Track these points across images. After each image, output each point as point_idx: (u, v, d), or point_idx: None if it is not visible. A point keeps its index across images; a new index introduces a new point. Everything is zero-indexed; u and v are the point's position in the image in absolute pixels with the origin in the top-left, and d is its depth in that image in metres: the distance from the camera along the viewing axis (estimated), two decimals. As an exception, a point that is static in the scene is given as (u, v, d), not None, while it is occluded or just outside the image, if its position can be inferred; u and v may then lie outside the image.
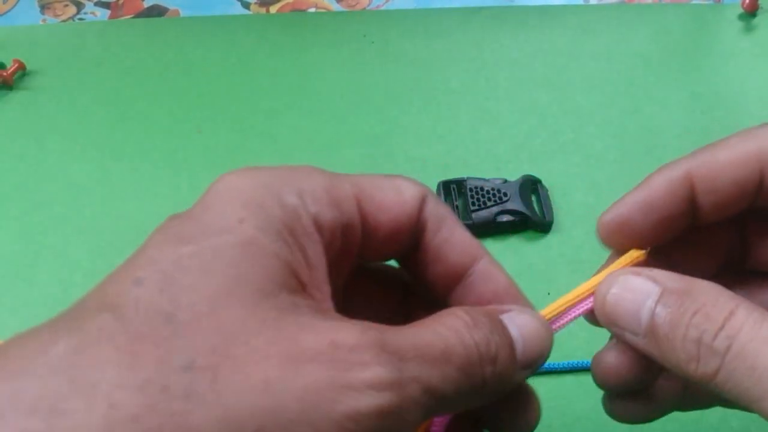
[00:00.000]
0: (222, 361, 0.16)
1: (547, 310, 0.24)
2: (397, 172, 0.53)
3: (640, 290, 0.22)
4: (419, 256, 0.24)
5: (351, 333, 0.18)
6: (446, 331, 0.20)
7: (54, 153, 0.55)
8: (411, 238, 0.24)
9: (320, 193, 0.21)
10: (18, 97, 0.59)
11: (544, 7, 0.66)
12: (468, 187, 0.49)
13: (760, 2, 0.63)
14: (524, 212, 0.48)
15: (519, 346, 0.21)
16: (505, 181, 0.50)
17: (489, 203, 0.48)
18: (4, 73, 0.59)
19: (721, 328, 0.20)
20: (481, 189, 0.49)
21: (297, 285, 0.19)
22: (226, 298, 0.18)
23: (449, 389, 0.19)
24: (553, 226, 0.48)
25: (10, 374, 0.16)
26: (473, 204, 0.48)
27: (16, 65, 0.60)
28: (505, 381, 0.21)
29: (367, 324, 0.19)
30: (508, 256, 0.47)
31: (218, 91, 0.59)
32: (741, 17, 0.64)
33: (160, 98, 0.59)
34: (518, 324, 0.22)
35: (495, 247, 0.47)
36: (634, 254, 0.25)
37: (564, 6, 0.66)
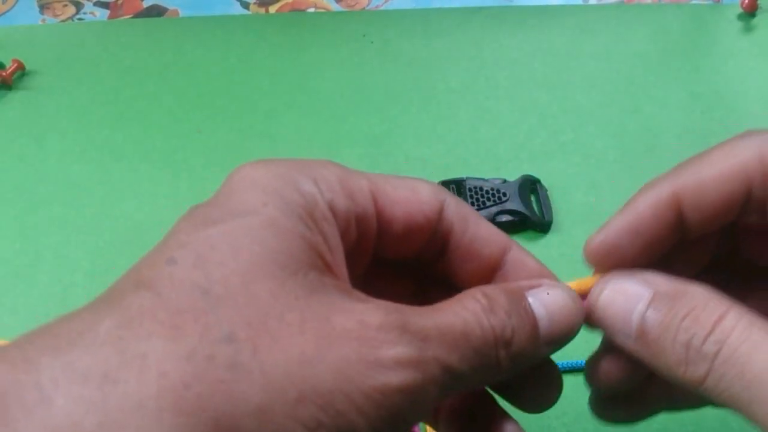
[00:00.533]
0: (259, 334, 0.17)
1: None
2: (396, 172, 0.53)
3: (632, 293, 0.22)
4: (450, 257, 0.24)
5: (377, 313, 0.19)
6: (465, 313, 0.20)
7: (54, 153, 0.55)
8: (433, 240, 0.24)
9: (334, 182, 0.21)
10: (17, 97, 0.59)
11: (544, 7, 0.66)
12: (467, 187, 0.49)
13: (759, 2, 0.63)
14: (523, 212, 0.48)
15: (544, 324, 0.22)
16: (505, 181, 0.50)
17: (488, 203, 0.48)
18: (4, 73, 0.59)
19: (711, 332, 0.20)
20: (481, 189, 0.49)
21: (322, 265, 0.20)
22: (258, 274, 0.18)
23: (466, 369, 0.20)
24: (553, 226, 0.48)
25: (58, 348, 0.16)
26: (472, 204, 0.48)
27: (16, 65, 0.60)
28: (523, 359, 0.21)
29: (391, 305, 0.19)
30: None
31: (218, 91, 0.59)
32: (740, 17, 0.64)
33: (160, 98, 0.58)
34: (545, 301, 0.22)
35: (495, 246, 0.47)
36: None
37: (563, 6, 0.66)
